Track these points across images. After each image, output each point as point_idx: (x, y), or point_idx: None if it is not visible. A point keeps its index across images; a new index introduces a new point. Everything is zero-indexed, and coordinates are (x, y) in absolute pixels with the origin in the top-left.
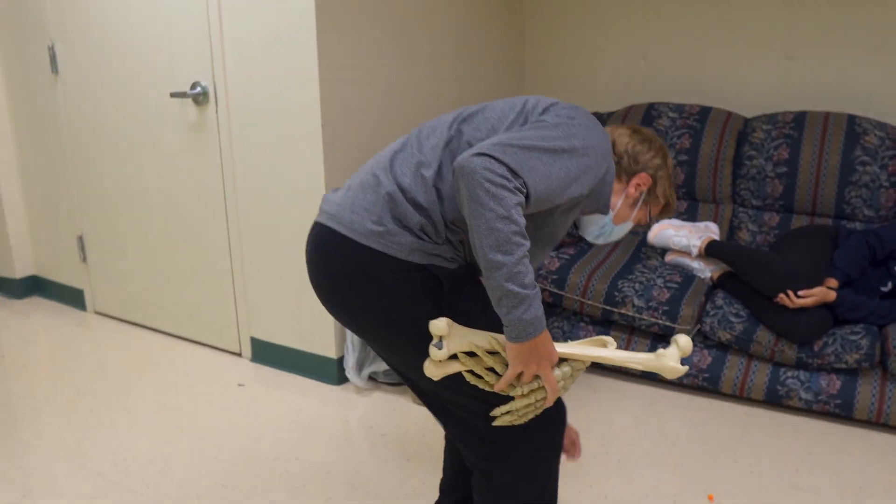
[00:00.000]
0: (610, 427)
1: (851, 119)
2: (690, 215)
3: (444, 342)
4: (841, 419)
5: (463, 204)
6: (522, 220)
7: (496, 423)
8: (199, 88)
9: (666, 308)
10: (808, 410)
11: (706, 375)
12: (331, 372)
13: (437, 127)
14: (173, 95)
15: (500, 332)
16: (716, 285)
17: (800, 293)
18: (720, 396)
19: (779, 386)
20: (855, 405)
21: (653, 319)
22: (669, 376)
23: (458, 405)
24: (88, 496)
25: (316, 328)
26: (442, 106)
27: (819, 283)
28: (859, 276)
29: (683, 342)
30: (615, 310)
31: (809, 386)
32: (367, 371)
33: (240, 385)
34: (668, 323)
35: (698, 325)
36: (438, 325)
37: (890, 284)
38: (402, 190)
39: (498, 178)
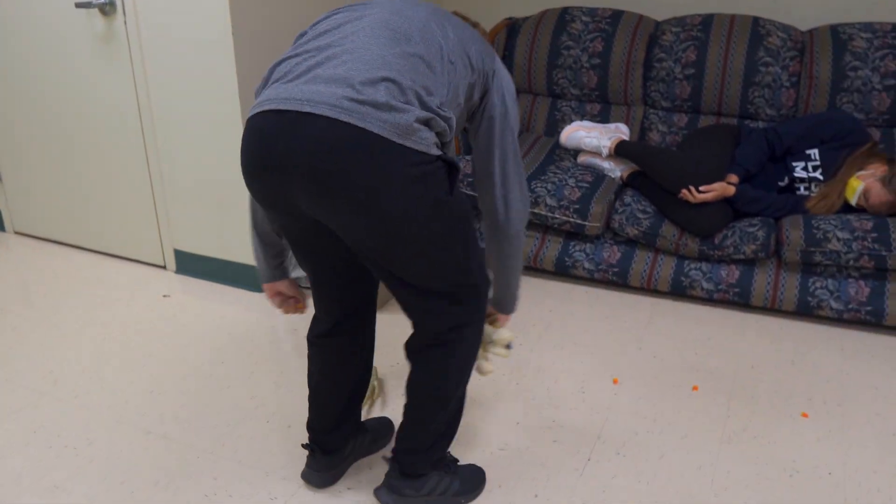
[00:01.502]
0: (527, 319)
1: (756, 21)
2: (603, 117)
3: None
4: (739, 306)
5: (509, 247)
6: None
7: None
8: None
9: (577, 207)
10: (709, 300)
11: (615, 270)
12: (254, 279)
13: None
14: (78, 6)
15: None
16: (626, 184)
17: (701, 188)
18: (629, 290)
19: (683, 277)
20: (752, 293)
21: (564, 217)
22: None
23: (442, 287)
24: (16, 408)
25: (237, 237)
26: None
27: (721, 179)
28: (759, 171)
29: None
30: (529, 210)
31: (711, 276)
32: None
33: (165, 296)
34: (578, 220)
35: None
36: (509, 334)
37: (787, 179)
38: (424, 106)
39: (524, 225)
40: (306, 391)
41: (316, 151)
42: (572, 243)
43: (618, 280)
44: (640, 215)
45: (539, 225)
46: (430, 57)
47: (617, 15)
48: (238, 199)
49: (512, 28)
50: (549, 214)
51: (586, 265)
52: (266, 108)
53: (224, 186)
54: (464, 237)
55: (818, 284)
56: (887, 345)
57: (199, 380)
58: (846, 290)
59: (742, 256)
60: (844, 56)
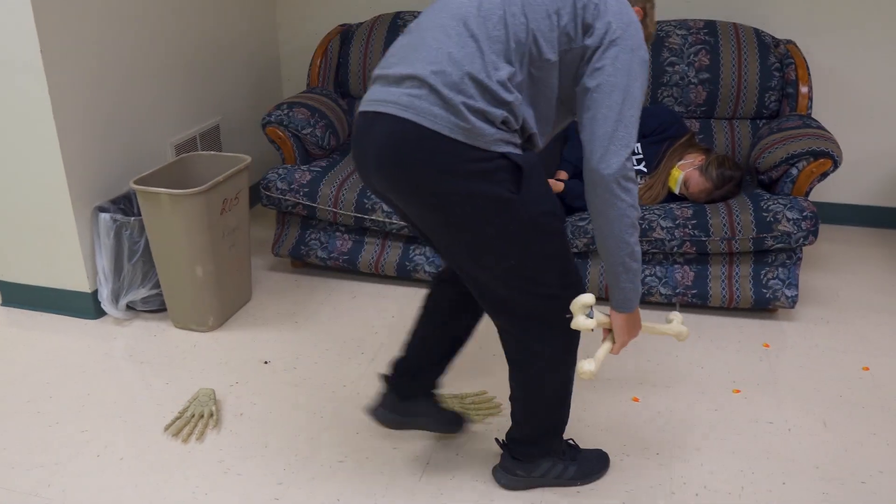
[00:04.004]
0: (368, 328)
1: None
2: None
3: (595, 311)
4: None
5: (597, 199)
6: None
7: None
8: None
9: None
10: None
11: None
12: (86, 306)
13: (491, 16)
14: None
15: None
16: None
17: None
18: None
19: None
20: (587, 285)
21: (402, 223)
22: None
23: (512, 296)
24: None
25: (66, 264)
26: (172, 9)
27: (550, 176)
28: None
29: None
30: (366, 217)
31: None
32: (124, 301)
33: None
34: None
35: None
36: (588, 299)
37: None
38: (483, 92)
39: (628, 174)
40: (140, 420)
41: (383, 146)
42: (412, 247)
43: None
44: None
45: (378, 231)
46: (487, 30)
47: None
48: (64, 223)
49: (345, 34)
50: (387, 220)
51: (427, 268)
52: (361, 109)
53: (47, 211)
54: (531, 241)
55: (647, 272)
56: (712, 324)
57: (25, 418)
58: (673, 275)
59: (575, 250)
60: (662, 52)
